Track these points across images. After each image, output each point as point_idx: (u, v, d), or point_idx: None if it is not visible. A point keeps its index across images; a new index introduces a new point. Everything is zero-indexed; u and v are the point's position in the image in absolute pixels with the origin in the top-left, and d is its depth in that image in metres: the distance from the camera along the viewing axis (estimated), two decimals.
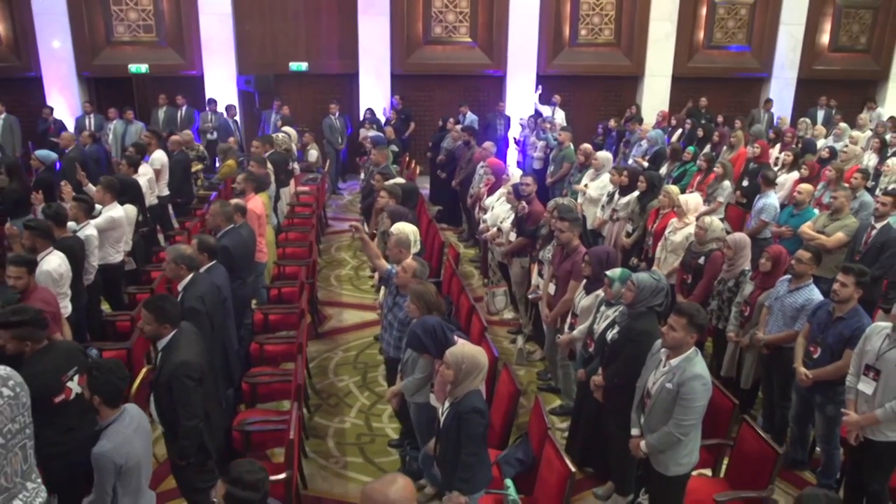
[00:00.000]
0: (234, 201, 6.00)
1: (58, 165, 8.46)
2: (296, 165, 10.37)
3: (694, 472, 3.99)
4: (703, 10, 13.88)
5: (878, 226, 5.98)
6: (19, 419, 2.75)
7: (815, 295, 4.68)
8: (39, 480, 2.86)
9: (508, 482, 3.94)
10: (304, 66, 13.01)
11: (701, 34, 14.02)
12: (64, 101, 12.30)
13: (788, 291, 4.77)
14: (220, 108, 12.14)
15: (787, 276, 4.86)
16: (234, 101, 12.47)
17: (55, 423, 2.92)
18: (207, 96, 12.41)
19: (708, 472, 4.40)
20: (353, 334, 7.05)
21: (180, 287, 4.43)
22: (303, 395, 4.74)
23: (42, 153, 8.51)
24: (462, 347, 3.50)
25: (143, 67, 12.41)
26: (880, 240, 5.87)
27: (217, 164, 11.48)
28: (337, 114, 12.34)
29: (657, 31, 13.67)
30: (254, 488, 2.59)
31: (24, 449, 2.77)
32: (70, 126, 11.74)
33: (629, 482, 4.45)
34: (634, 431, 3.87)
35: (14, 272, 4.30)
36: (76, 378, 3.33)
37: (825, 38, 14.33)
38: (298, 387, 4.46)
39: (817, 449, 4.84)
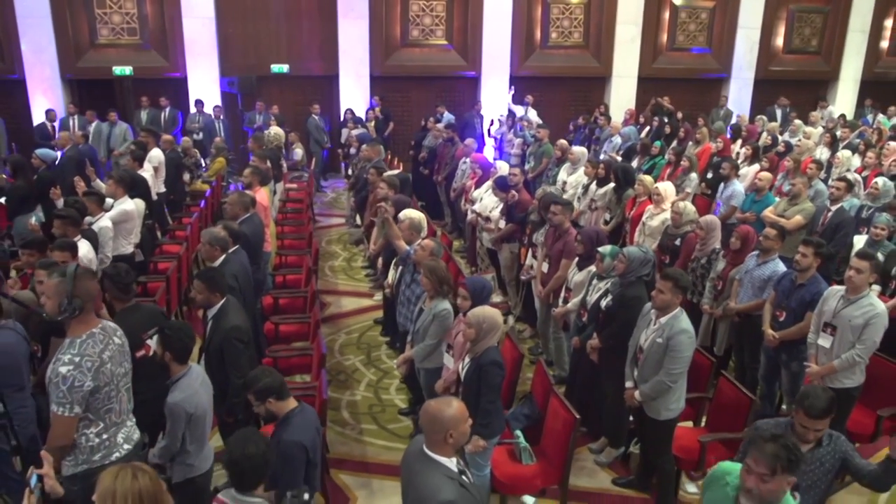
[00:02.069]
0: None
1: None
2: (283, 163, 10.76)
3: (678, 424, 4.55)
4: (666, 14, 14.65)
5: (833, 208, 6.67)
6: (125, 364, 3.18)
7: (781, 267, 5.29)
8: (134, 419, 3.29)
9: (518, 433, 4.44)
10: (285, 68, 13.39)
11: (664, 37, 14.79)
12: (47, 102, 12.45)
13: (757, 265, 5.37)
14: (207, 110, 12.45)
15: (755, 252, 5.46)
16: (217, 103, 12.79)
17: (137, 374, 3.33)
18: (191, 98, 12.71)
19: (690, 424, 4.96)
20: (353, 318, 7.50)
21: None
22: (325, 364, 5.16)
23: (43, 151, 8.77)
24: (482, 309, 4.00)
25: (127, 69, 12.64)
26: (835, 221, 6.55)
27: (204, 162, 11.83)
28: (319, 114, 12.76)
29: (623, 34, 14.39)
30: (257, 377, 3.36)
31: (129, 391, 3.20)
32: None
33: (621, 436, 5.01)
34: (628, 384, 4.42)
35: (60, 256, 4.66)
36: (155, 337, 3.75)
37: (780, 41, 15.24)
38: (322, 356, 4.90)
39: (783, 406, 5.45)
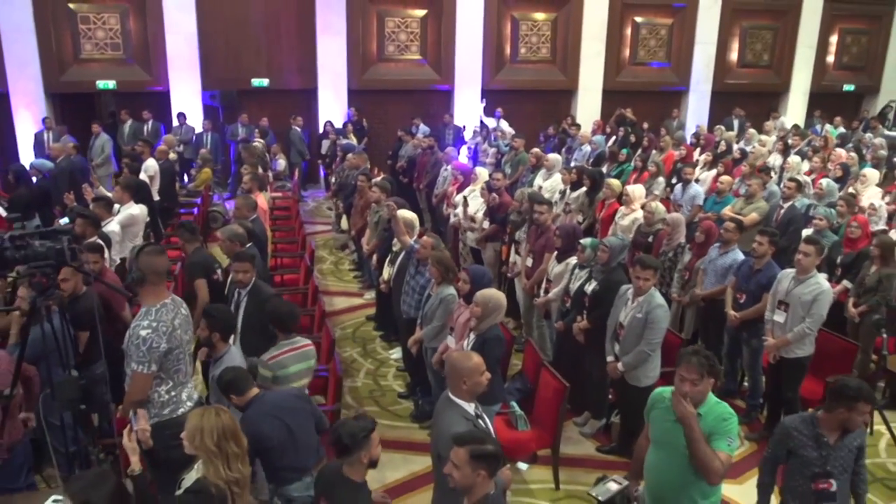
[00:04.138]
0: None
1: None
2: (269, 173, 11.19)
3: None
4: (628, 31, 15.48)
5: (786, 206, 7.39)
6: (189, 332, 3.64)
7: (740, 256, 5.93)
8: (194, 381, 3.74)
9: (513, 403, 4.98)
10: (265, 82, 13.79)
11: (627, 52, 15.61)
12: (31, 116, 12.64)
13: (719, 255, 6.01)
14: (190, 122, 12.82)
15: (717, 244, 6.11)
16: (199, 116, 13.15)
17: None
18: (174, 111, 13.05)
19: None
20: (346, 316, 7.97)
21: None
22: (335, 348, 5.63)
23: (38, 162, 9.12)
24: (490, 291, 4.54)
25: (111, 84, 12.92)
26: (788, 217, 7.28)
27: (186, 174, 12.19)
28: (300, 126, 13.23)
29: (588, 50, 15.16)
30: (219, 378, 3.63)
31: (191, 356, 3.65)
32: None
33: (603, 408, 5.57)
34: (609, 358, 4.99)
35: (92, 258, 5.07)
36: (219, 271, 4.86)
37: (734, 56, 16.21)
38: (332, 341, 5.38)
39: (745, 383, 6.08)
